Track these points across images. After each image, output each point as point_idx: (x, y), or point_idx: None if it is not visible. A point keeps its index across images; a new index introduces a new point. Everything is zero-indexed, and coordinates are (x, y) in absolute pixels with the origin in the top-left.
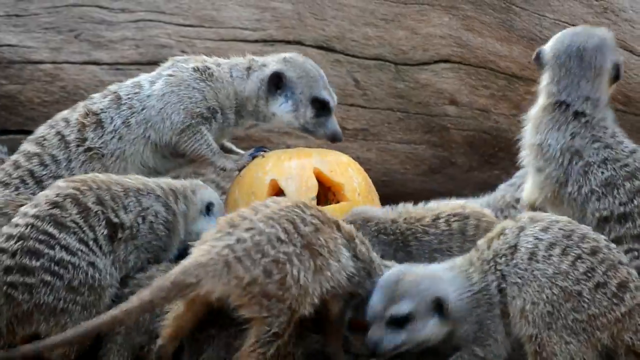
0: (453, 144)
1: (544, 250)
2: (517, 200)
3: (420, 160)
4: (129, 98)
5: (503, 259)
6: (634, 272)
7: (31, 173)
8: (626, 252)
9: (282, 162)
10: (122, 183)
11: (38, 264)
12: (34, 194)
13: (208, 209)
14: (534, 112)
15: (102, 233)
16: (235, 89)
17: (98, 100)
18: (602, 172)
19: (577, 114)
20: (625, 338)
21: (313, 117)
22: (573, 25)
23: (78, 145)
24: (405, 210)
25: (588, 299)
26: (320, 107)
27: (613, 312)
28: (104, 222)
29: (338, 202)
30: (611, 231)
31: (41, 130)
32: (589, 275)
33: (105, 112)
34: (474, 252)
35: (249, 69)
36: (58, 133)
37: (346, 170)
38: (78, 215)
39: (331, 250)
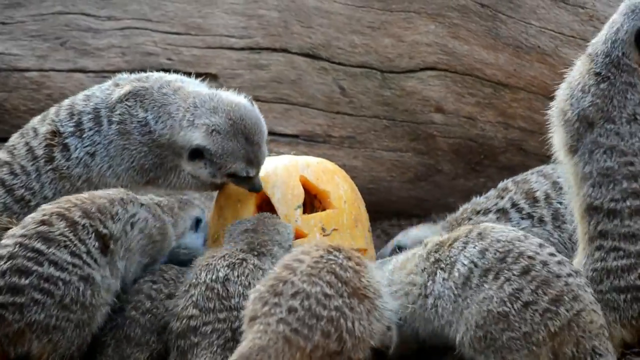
0: (439, 151)
1: (478, 277)
2: (477, 213)
3: (406, 168)
4: (89, 134)
5: (440, 274)
6: (576, 281)
7: (1, 182)
8: (611, 250)
9: (267, 170)
10: (105, 195)
11: (27, 282)
12: (4, 203)
13: (197, 225)
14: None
15: (94, 246)
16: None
17: (65, 119)
18: (605, 160)
19: (598, 76)
20: (566, 351)
21: (233, 182)
22: (559, 33)
23: (46, 162)
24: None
25: (517, 319)
26: (238, 179)
27: (547, 328)
28: (93, 234)
29: (324, 209)
30: (599, 223)
31: (13, 138)
32: (516, 295)
33: (70, 138)
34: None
35: (192, 118)
36: (27, 144)
37: (332, 178)
38: (67, 229)
39: (375, 289)
